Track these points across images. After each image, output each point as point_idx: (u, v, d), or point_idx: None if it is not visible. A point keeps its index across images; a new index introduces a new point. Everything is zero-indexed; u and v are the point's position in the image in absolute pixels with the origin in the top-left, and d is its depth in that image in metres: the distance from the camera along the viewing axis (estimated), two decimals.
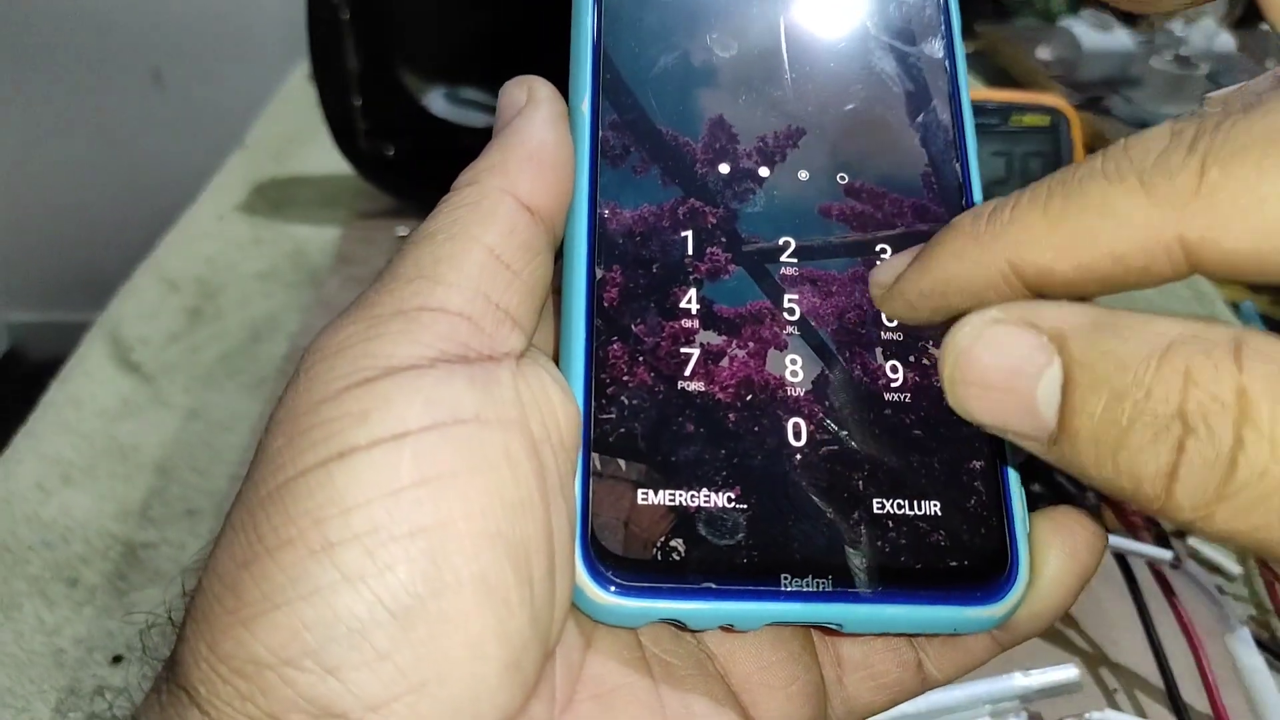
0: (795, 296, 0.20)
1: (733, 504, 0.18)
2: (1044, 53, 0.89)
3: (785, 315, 0.20)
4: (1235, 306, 0.62)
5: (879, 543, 0.18)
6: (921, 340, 0.20)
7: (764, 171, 0.21)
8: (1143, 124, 0.77)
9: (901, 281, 0.17)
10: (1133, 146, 0.14)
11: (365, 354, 0.17)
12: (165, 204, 0.79)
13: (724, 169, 0.21)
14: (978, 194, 0.21)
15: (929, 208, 0.21)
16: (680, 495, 0.18)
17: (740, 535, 0.18)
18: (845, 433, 0.19)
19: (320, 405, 0.16)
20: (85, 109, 1.49)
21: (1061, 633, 0.41)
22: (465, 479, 0.16)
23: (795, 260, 0.20)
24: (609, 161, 0.20)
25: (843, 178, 0.21)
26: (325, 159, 0.72)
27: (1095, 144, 0.75)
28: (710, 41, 0.22)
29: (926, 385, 0.20)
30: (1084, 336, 0.14)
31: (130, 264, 0.68)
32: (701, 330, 0.19)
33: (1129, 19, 0.87)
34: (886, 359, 0.20)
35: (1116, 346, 0.14)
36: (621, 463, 0.18)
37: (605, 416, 0.19)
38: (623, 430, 0.18)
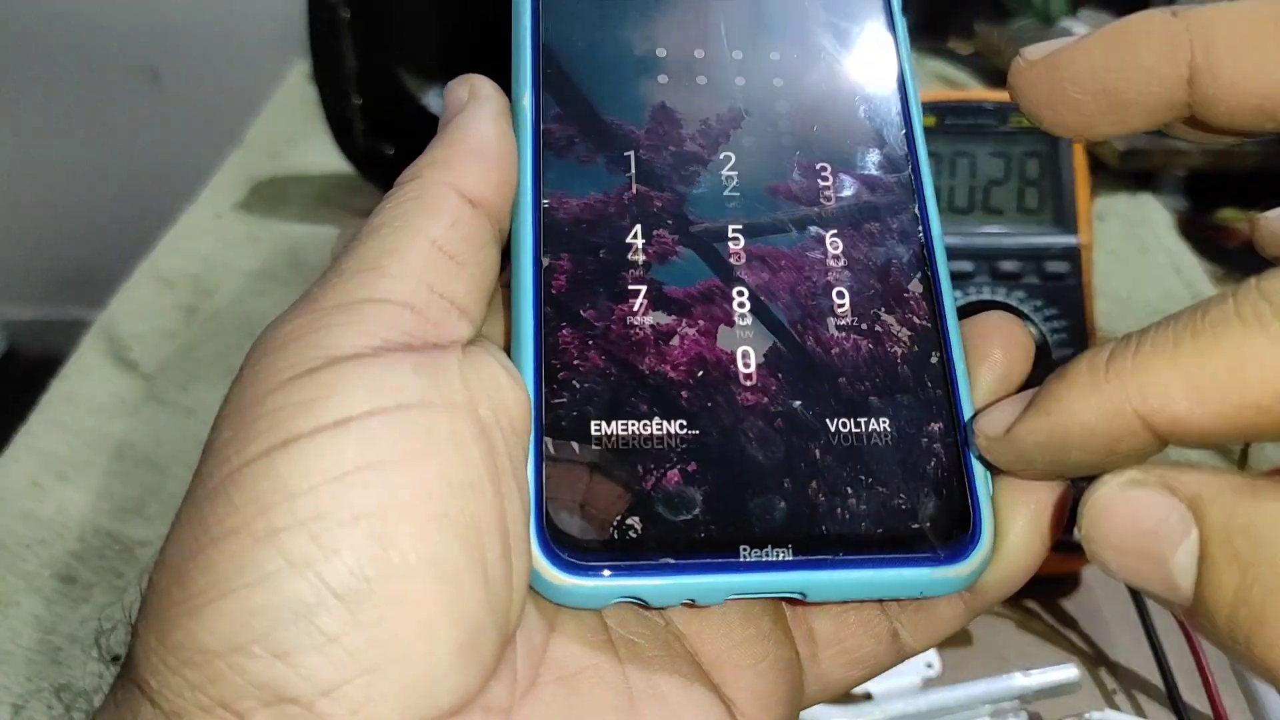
0: (745, 274, 0.20)
1: (688, 480, 0.18)
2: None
3: (735, 293, 0.20)
4: None
5: (838, 510, 0.18)
6: (874, 309, 0.20)
7: (708, 154, 0.21)
8: None
9: (1016, 431, 0.17)
10: (1269, 286, 0.14)
11: (310, 345, 0.17)
12: (162, 202, 0.79)
13: (669, 154, 0.21)
14: (924, 161, 0.22)
15: (877, 179, 0.21)
16: (635, 474, 0.18)
17: (697, 510, 0.18)
18: (799, 404, 0.19)
19: (265, 397, 0.16)
20: (82, 108, 1.49)
21: (1061, 633, 0.41)
22: (411, 462, 0.16)
23: (743, 238, 0.21)
24: (554, 153, 0.21)
25: (787, 155, 0.21)
26: (322, 158, 0.72)
27: (1092, 146, 0.75)
28: (650, 28, 0.22)
29: (880, 354, 0.20)
30: (1222, 506, 0.14)
31: (127, 262, 0.68)
32: (651, 311, 0.20)
33: None
34: (839, 330, 0.20)
35: (1255, 520, 0.13)
36: (575, 445, 0.18)
37: (557, 400, 0.19)
38: (575, 413, 0.19)
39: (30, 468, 0.50)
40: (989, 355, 0.20)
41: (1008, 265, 0.46)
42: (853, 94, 0.22)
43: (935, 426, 0.19)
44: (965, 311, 0.21)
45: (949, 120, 0.47)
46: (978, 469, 0.19)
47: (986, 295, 0.45)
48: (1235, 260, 0.70)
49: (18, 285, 1.66)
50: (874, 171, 0.21)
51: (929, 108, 0.45)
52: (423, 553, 0.16)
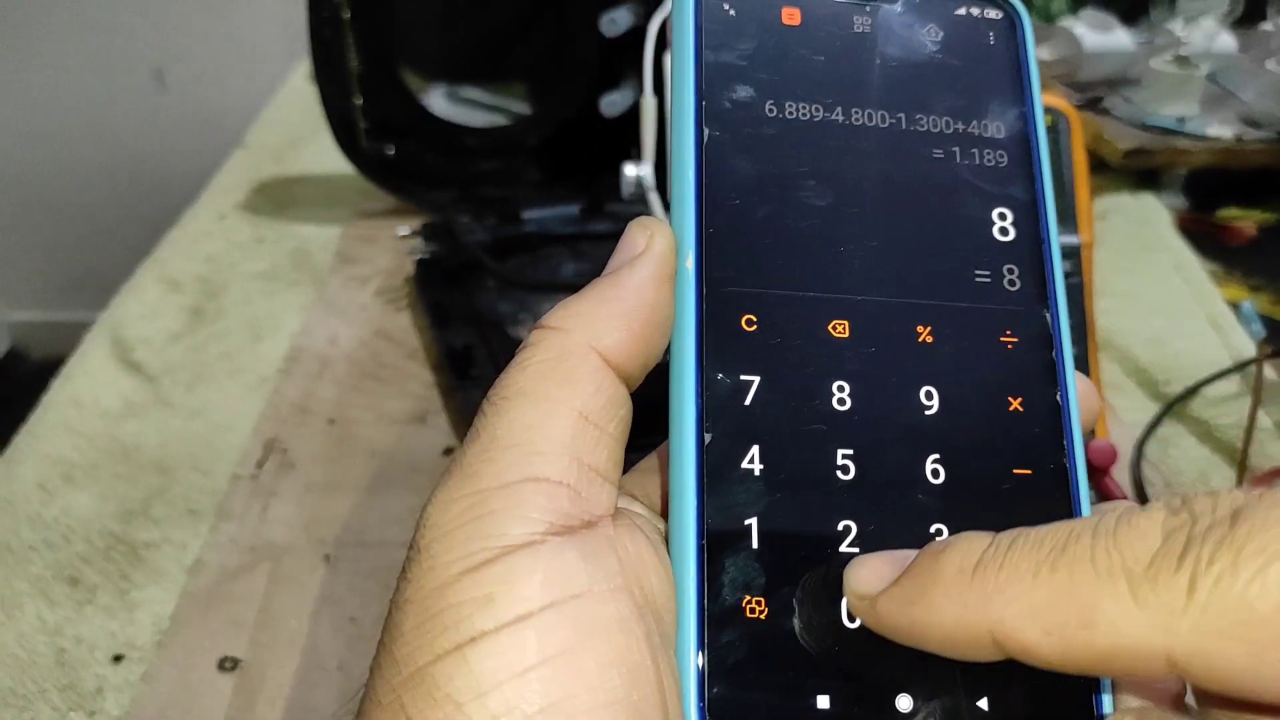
0: (904, 490, 0.20)
1: (839, 674, 0.18)
2: (1044, 52, 0.89)
3: (894, 509, 0.20)
4: (1235, 306, 0.62)
5: (981, 711, 0.18)
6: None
7: (872, 330, 0.21)
8: (1143, 125, 0.77)
9: (881, 605, 0.17)
10: (1123, 540, 0.15)
11: (479, 533, 0.18)
12: (167, 203, 0.79)
13: (836, 329, 0.20)
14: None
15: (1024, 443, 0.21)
16: (790, 665, 0.18)
17: (843, 702, 0.18)
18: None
19: (445, 589, 0.17)
20: (87, 108, 1.49)
21: None
22: (584, 652, 0.17)
23: (914, 447, 0.20)
24: (715, 320, 0.20)
25: (931, 330, 0.21)
26: (326, 158, 0.72)
27: (1095, 145, 0.75)
28: (807, 189, 0.21)
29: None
30: None
31: (132, 263, 0.68)
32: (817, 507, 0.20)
33: (1129, 18, 0.87)
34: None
35: None
36: (735, 631, 0.19)
37: (716, 585, 0.19)
38: (735, 599, 0.19)
39: (36, 470, 0.50)
40: None
41: None
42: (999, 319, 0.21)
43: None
44: None
45: None
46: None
47: None
48: (1236, 258, 0.70)
49: (21, 286, 1.66)
50: (1018, 431, 0.21)
51: None
52: None
